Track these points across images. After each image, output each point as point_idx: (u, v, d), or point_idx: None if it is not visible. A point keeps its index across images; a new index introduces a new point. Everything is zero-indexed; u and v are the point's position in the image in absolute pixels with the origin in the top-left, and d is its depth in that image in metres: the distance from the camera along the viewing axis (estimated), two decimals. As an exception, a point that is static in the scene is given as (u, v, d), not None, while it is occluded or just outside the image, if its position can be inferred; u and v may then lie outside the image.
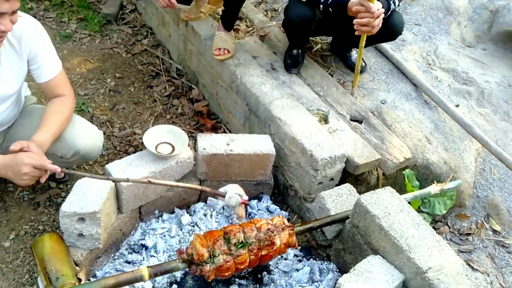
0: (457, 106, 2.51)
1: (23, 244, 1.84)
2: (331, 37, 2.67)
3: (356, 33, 1.97)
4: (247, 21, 2.79)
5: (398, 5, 2.08)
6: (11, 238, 1.86)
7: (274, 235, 1.65)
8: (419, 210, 2.15)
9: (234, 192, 1.60)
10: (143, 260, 1.79)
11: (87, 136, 1.74)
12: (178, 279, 1.75)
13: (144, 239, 1.87)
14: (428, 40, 2.90)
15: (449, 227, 2.26)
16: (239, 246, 1.59)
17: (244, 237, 1.60)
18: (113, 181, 1.67)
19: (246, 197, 1.61)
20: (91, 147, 1.76)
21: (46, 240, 1.60)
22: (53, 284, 1.47)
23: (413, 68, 2.61)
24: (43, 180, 1.51)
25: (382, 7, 1.91)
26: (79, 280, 1.52)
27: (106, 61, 2.93)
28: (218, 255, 1.57)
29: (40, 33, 1.64)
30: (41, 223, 1.93)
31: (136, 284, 1.67)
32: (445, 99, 2.44)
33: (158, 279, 1.72)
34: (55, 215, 1.96)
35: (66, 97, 1.69)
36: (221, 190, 1.62)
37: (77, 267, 1.60)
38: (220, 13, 2.42)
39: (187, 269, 1.62)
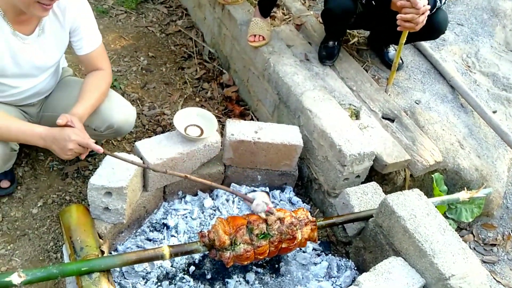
0: (494, 112, 2.44)
1: (50, 212, 1.91)
2: (369, 31, 2.61)
3: (399, 28, 1.92)
4: (284, 8, 2.76)
5: (445, 2, 2.02)
6: (39, 205, 1.93)
7: (296, 230, 1.65)
8: (444, 216, 2.10)
9: (261, 200, 1.64)
10: (164, 239, 1.83)
11: (122, 111, 1.78)
12: (197, 261, 1.78)
13: (166, 218, 1.90)
14: (470, 42, 2.81)
15: (474, 236, 2.22)
16: (261, 237, 1.60)
17: (266, 228, 1.61)
18: (153, 170, 1.68)
19: (271, 206, 1.66)
20: (125, 122, 1.80)
21: (73, 211, 1.65)
22: (77, 254, 1.52)
23: (451, 70, 2.54)
24: (83, 156, 1.56)
25: (428, 4, 1.86)
26: (102, 252, 1.56)
27: (140, 39, 2.96)
28: (240, 243, 1.59)
29: (84, 5, 1.67)
30: (68, 194, 1.99)
31: (155, 263, 1.71)
32: (482, 104, 2.37)
33: (176, 259, 1.76)
34: (82, 187, 2.01)
35: (104, 71, 1.73)
36: (250, 195, 1.66)
37: (100, 240, 1.64)
38: (258, -2, 2.40)
39: (206, 252, 1.65)
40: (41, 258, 1.76)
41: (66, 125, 1.50)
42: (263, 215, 1.63)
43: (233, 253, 1.60)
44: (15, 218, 1.87)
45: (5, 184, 1.90)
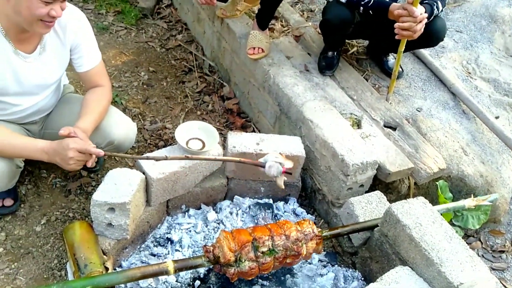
0: (497, 117, 2.44)
1: (53, 230, 1.91)
2: (367, 41, 2.64)
3: (397, 37, 1.94)
4: (283, 20, 2.79)
5: (442, 10, 2.04)
6: (42, 223, 1.93)
7: (302, 245, 1.65)
8: (450, 223, 2.09)
9: (274, 161, 1.45)
10: (168, 253, 1.83)
11: (122, 127, 1.80)
12: (202, 276, 1.77)
13: (170, 233, 1.90)
14: (469, 48, 2.83)
15: (482, 243, 2.20)
16: (266, 254, 1.61)
17: (272, 244, 1.61)
18: (155, 159, 1.66)
19: (289, 165, 1.44)
20: (125, 138, 1.81)
21: (77, 228, 1.65)
22: (81, 271, 1.52)
23: (452, 76, 2.55)
24: (89, 164, 1.55)
25: (425, 12, 1.88)
26: (106, 269, 1.56)
27: (141, 55, 2.99)
28: (245, 260, 1.59)
29: (84, 23, 1.70)
30: (71, 210, 1.99)
31: (160, 278, 1.71)
32: (484, 110, 2.38)
33: (181, 274, 1.75)
34: (85, 204, 2.02)
35: (104, 87, 1.75)
36: (261, 160, 1.51)
37: (104, 256, 1.64)
38: (256, 11, 2.43)
39: (211, 266, 1.64)
40: (45, 276, 1.76)
41: (68, 136, 1.52)
42: (281, 180, 1.46)
43: (238, 269, 1.59)
44: (19, 237, 1.87)
45: (9, 202, 1.91)
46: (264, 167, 1.51)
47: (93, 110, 1.67)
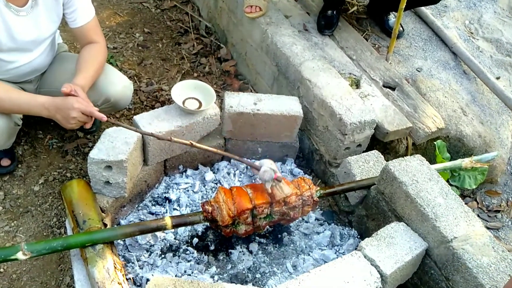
0: (497, 78, 2.43)
1: (51, 189, 1.93)
2: (368, 0, 2.59)
3: (397, -8, 1.90)
4: (281, -21, 2.72)
5: (445, -36, 1.99)
6: (40, 182, 1.95)
7: (298, 211, 1.67)
8: (447, 183, 2.12)
9: (269, 167, 1.59)
10: (166, 212, 1.86)
11: (118, 84, 1.79)
12: (200, 233, 1.80)
13: (167, 192, 1.92)
14: (473, 8, 2.78)
15: (478, 203, 2.24)
16: (263, 218, 1.64)
17: (270, 211, 1.64)
18: (158, 138, 1.64)
19: (279, 174, 1.60)
20: (121, 95, 1.80)
21: (74, 185, 1.67)
22: (80, 227, 1.55)
23: (453, 36, 2.52)
24: (87, 126, 1.57)
25: (427, -35, 1.83)
26: (105, 225, 1.59)
27: (135, 16, 2.94)
28: (241, 224, 1.62)
29: None
30: (69, 171, 2.01)
31: (159, 235, 1.74)
32: (485, 70, 2.36)
33: (180, 231, 1.79)
34: (82, 164, 2.03)
35: (99, 44, 1.73)
36: (257, 163, 1.63)
37: (103, 213, 1.67)
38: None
39: (208, 224, 1.68)
40: (44, 233, 1.79)
41: (69, 94, 1.51)
42: (269, 185, 1.61)
43: (233, 229, 1.64)
44: (17, 196, 1.89)
45: (6, 162, 1.92)
46: (259, 170, 1.61)
47: (89, 67, 1.65)
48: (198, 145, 1.65)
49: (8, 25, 1.55)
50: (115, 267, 1.45)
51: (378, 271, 1.46)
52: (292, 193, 1.64)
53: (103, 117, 1.53)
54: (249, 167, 1.87)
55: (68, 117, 1.49)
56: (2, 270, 1.68)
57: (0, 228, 1.78)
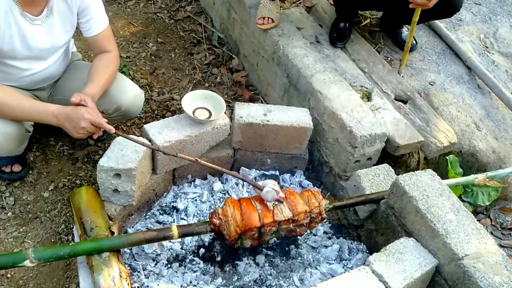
0: (513, 93, 2.40)
1: (61, 196, 1.96)
2: (381, 12, 2.59)
3: (411, 6, 1.91)
4: (294, -9, 2.75)
5: (458, -22, 1.99)
6: (50, 189, 1.98)
7: (305, 229, 1.67)
8: (460, 199, 2.09)
9: (271, 188, 1.61)
10: (173, 221, 1.86)
11: (130, 93, 1.82)
12: (206, 243, 1.80)
13: (175, 201, 1.93)
14: (488, 21, 2.76)
15: (491, 220, 2.20)
16: (269, 234, 1.64)
17: (277, 229, 1.63)
18: (163, 152, 1.69)
19: (282, 195, 1.63)
20: (132, 104, 1.83)
21: (83, 192, 1.69)
22: (87, 234, 1.56)
23: (468, 50, 2.50)
24: (95, 136, 1.60)
25: (441, -21, 1.83)
26: (112, 233, 1.60)
27: (149, 26, 2.99)
28: (247, 239, 1.62)
29: None
30: (79, 178, 2.04)
31: (165, 245, 1.75)
32: (500, 85, 2.33)
33: (186, 241, 1.79)
34: (92, 171, 2.06)
35: (112, 53, 1.77)
36: (260, 183, 1.65)
37: (110, 221, 1.68)
38: (268, -20, 2.40)
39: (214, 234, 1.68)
40: (52, 240, 1.81)
41: (79, 104, 1.54)
42: (270, 205, 1.62)
43: (239, 242, 1.64)
44: (27, 202, 1.92)
45: (17, 168, 1.96)
46: (262, 190, 1.62)
47: (101, 76, 1.69)
48: (203, 162, 1.67)
49: (23, 34, 1.59)
50: (121, 276, 1.46)
51: (386, 287, 1.44)
52: (301, 211, 1.63)
53: (111, 129, 1.55)
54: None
55: (77, 127, 1.52)
56: (9, 275, 1.70)
57: (9, 233, 1.81)
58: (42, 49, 1.68)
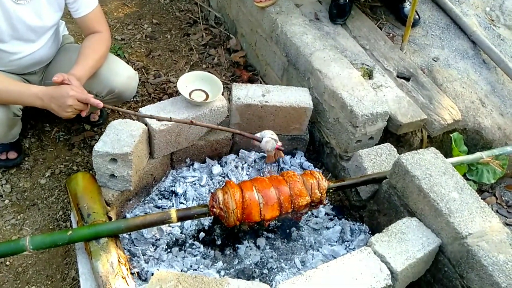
0: (519, 68, 2.35)
1: (58, 182, 1.96)
2: (383, -14, 2.53)
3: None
4: (292, -34, 2.68)
5: None
6: (47, 175, 1.98)
7: (305, 213, 1.67)
8: (464, 178, 2.07)
9: (270, 137, 1.66)
10: (172, 206, 1.86)
11: (123, 75, 1.79)
12: (206, 227, 1.80)
13: (174, 186, 1.92)
14: (494, -6, 2.70)
15: (497, 198, 2.19)
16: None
17: (278, 216, 1.63)
18: (158, 119, 1.68)
19: (280, 143, 1.70)
20: (126, 86, 1.80)
21: (80, 178, 1.68)
22: (85, 220, 1.56)
23: (473, 24, 2.45)
24: (84, 114, 1.58)
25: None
26: (110, 218, 1.60)
27: (144, 6, 2.94)
28: (245, 224, 1.63)
29: None
30: (75, 164, 2.03)
31: (165, 229, 1.75)
32: (506, 60, 2.29)
33: (186, 225, 1.79)
34: (89, 157, 2.05)
35: (102, 33, 1.74)
36: (258, 135, 1.67)
37: (108, 207, 1.68)
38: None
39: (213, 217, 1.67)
40: (50, 227, 1.82)
41: (62, 83, 1.52)
42: (272, 154, 1.65)
43: (237, 226, 1.64)
44: (24, 189, 1.92)
45: (13, 155, 1.95)
46: (260, 141, 1.65)
47: (89, 57, 1.66)
48: (198, 123, 1.66)
49: (7, 14, 1.56)
50: (119, 261, 1.46)
51: (388, 267, 1.43)
52: (302, 204, 1.62)
53: (99, 103, 1.54)
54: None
55: (64, 105, 1.50)
56: (8, 263, 1.71)
57: (7, 221, 1.81)
58: (28, 29, 1.65)
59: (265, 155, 2.07)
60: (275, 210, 1.61)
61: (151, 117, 1.67)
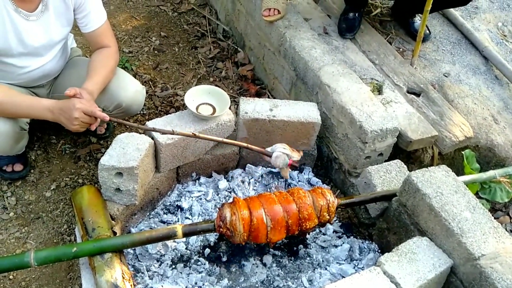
0: (533, 84, 2.35)
1: (63, 195, 1.97)
2: (392, 1, 2.55)
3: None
4: (301, -20, 2.71)
5: (474, -36, 1.94)
6: (52, 188, 1.99)
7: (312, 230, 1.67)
8: (477, 196, 2.05)
9: (281, 152, 1.53)
10: (178, 221, 1.86)
11: (130, 89, 1.82)
12: (212, 243, 1.80)
13: (180, 200, 1.93)
14: (506, 8, 2.71)
15: (511, 218, 2.16)
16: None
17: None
18: (161, 132, 1.69)
19: (295, 157, 1.52)
20: (133, 100, 1.82)
21: (85, 192, 1.69)
22: (89, 234, 1.56)
23: (484, 39, 2.45)
24: (93, 127, 1.60)
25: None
26: (114, 233, 1.60)
27: (152, 19, 2.98)
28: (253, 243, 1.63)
29: None
30: (81, 177, 2.05)
31: (170, 245, 1.75)
32: (519, 75, 2.29)
33: (191, 241, 1.79)
34: (94, 170, 2.06)
35: (111, 48, 1.77)
36: (268, 149, 1.58)
37: (113, 221, 1.68)
38: (273, -30, 2.37)
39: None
40: (55, 240, 1.82)
41: (74, 96, 1.55)
42: (286, 172, 1.52)
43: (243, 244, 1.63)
44: (29, 201, 1.93)
45: (18, 167, 1.97)
46: (271, 156, 1.55)
47: (99, 72, 1.69)
48: (201, 135, 1.66)
49: (18, 30, 1.59)
50: (123, 277, 1.46)
51: (398, 288, 1.42)
52: (310, 227, 1.62)
53: (106, 116, 1.56)
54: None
55: (71, 118, 1.53)
56: (11, 277, 1.71)
57: (11, 234, 1.83)
58: (38, 46, 1.68)
59: (273, 170, 2.07)
60: (282, 233, 1.61)
61: (153, 130, 1.69)
